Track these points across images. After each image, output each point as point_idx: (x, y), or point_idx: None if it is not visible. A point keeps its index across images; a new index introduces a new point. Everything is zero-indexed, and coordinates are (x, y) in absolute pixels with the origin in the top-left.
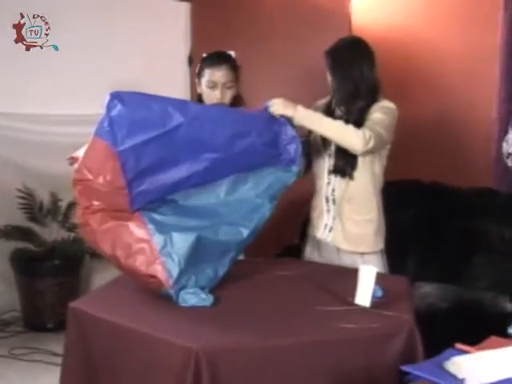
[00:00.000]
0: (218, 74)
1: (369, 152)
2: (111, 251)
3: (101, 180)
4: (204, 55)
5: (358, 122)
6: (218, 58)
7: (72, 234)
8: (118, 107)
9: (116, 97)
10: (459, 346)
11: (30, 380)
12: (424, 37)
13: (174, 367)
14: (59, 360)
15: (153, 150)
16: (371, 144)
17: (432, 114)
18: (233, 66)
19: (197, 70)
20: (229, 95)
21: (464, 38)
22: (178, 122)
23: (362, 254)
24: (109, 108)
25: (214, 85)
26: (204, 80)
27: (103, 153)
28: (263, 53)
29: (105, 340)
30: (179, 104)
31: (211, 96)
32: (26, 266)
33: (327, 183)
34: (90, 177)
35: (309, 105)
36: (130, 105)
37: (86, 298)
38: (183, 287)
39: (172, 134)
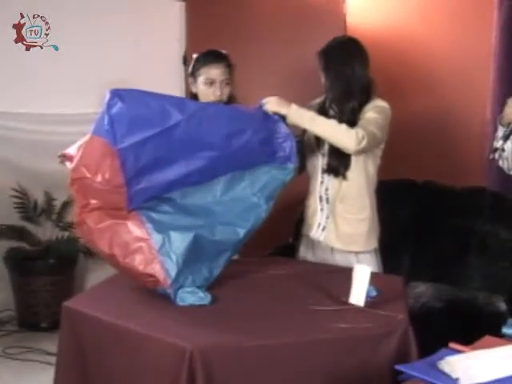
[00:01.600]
0: (216, 72)
1: (362, 151)
2: (108, 250)
3: (99, 178)
4: (195, 55)
5: (352, 122)
6: (215, 56)
7: (66, 233)
8: (118, 105)
9: (116, 94)
10: (453, 345)
11: (24, 379)
12: (419, 37)
13: (169, 367)
14: (53, 359)
15: (151, 148)
16: (364, 143)
17: (426, 114)
18: (228, 64)
19: (190, 70)
20: (226, 92)
21: (459, 38)
22: (177, 119)
23: (356, 253)
24: (109, 106)
25: (213, 82)
26: (202, 78)
27: (102, 151)
28: (258, 52)
29: (99, 339)
30: (177, 102)
31: (208, 94)
32: (21, 265)
33: (321, 182)
34: (87, 175)
35: (303, 105)
36: (129, 102)
37: (80, 297)
38: (181, 286)
39: (170, 132)
